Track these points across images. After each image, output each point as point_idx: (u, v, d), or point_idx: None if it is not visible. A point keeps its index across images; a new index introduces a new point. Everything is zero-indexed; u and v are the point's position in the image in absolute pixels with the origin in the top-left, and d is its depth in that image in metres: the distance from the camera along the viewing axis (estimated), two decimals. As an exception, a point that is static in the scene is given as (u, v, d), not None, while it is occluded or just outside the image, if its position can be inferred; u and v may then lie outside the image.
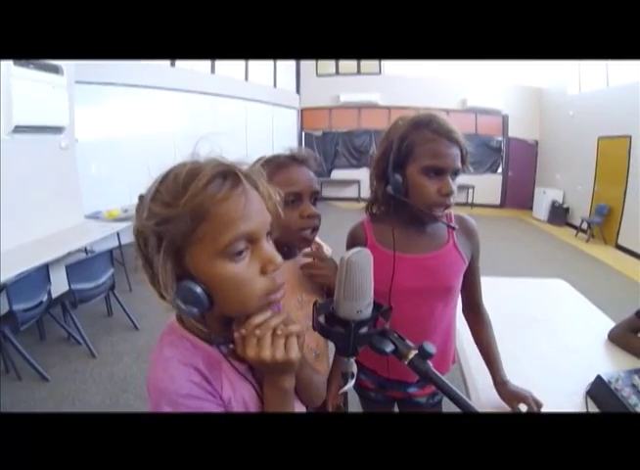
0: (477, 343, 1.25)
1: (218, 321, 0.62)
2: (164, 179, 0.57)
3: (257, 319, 0.58)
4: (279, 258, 0.59)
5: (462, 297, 1.25)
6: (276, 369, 0.61)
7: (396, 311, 1.07)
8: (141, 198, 0.59)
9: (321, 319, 0.60)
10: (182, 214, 0.53)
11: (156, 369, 0.61)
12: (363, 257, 0.56)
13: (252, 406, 0.67)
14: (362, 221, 1.19)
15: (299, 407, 0.79)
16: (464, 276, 1.18)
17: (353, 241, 1.17)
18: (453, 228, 1.09)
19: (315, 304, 0.62)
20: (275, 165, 0.97)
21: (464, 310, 1.28)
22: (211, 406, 0.61)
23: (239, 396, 0.65)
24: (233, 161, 0.60)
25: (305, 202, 0.99)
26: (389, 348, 0.57)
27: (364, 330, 0.58)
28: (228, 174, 0.56)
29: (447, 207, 1.05)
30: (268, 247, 0.60)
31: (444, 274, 1.13)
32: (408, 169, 1.04)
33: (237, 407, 0.65)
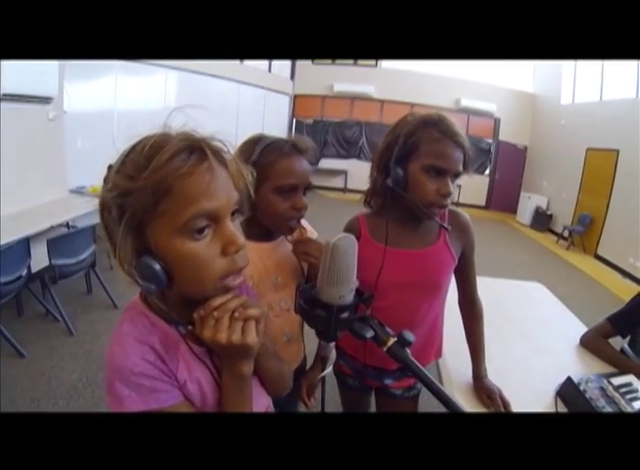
0: (466, 335, 1.28)
1: (178, 301, 0.61)
2: (131, 151, 0.56)
3: (216, 301, 0.58)
4: (241, 239, 0.57)
5: (457, 290, 1.28)
6: (232, 353, 0.61)
7: (382, 303, 1.10)
8: (110, 168, 0.57)
9: (303, 302, 0.61)
10: (144, 188, 0.52)
11: (112, 344, 0.61)
12: (348, 242, 0.56)
13: (208, 389, 0.66)
14: (358, 216, 1.21)
15: (265, 398, 0.79)
16: (458, 271, 1.20)
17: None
18: (447, 229, 1.10)
19: (298, 287, 0.63)
20: (279, 154, 0.98)
21: (459, 303, 1.30)
22: (164, 386, 0.61)
23: (194, 378, 0.65)
24: (204, 135, 0.58)
25: (299, 194, 1.01)
26: (369, 334, 0.58)
27: (345, 315, 0.59)
28: (194, 149, 0.54)
29: (443, 207, 1.07)
30: (231, 227, 0.57)
31: (432, 271, 1.15)
32: (410, 165, 1.05)
33: (192, 389, 0.65)
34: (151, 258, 0.55)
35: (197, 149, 0.55)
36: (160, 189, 0.52)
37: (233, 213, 0.59)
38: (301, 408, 1.28)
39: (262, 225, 1.03)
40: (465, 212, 1.22)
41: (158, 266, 0.54)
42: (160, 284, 0.55)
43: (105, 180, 0.57)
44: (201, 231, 0.54)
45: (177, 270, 0.56)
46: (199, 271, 0.55)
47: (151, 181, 0.52)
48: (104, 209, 0.56)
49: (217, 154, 0.57)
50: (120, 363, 0.59)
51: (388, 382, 1.27)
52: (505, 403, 1.14)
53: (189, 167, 0.53)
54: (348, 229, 1.19)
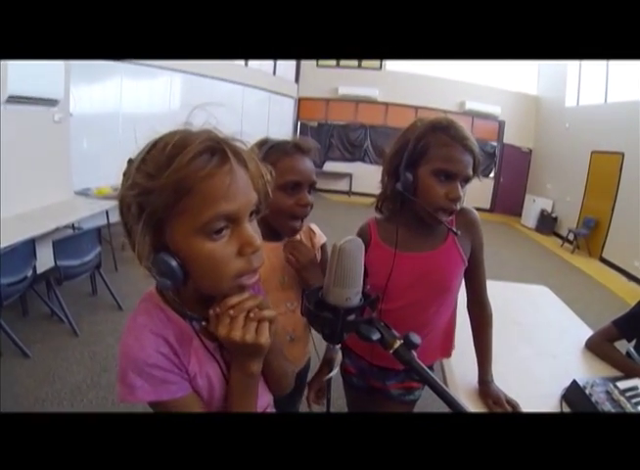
0: (474, 339, 1.26)
1: (193, 297, 0.63)
2: (152, 148, 0.56)
3: (233, 300, 0.59)
4: (258, 240, 0.58)
5: (467, 292, 1.26)
6: (244, 351, 0.62)
7: (393, 305, 1.11)
8: (130, 162, 0.58)
9: (310, 305, 0.61)
10: (164, 187, 0.52)
11: (128, 335, 0.62)
12: (355, 245, 0.57)
13: (217, 384, 0.68)
14: (368, 221, 1.22)
15: (266, 395, 0.80)
16: (467, 272, 1.19)
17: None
18: (456, 233, 1.09)
19: (304, 290, 0.64)
20: (282, 153, 1.01)
21: (468, 306, 1.28)
22: (175, 379, 0.62)
23: (204, 372, 0.66)
24: (226, 135, 0.58)
25: (304, 191, 1.03)
26: (376, 336, 0.59)
27: (352, 317, 0.60)
28: (216, 151, 0.55)
29: (452, 212, 1.07)
30: (249, 228, 0.58)
31: (441, 272, 1.14)
32: (420, 170, 1.06)
33: (201, 383, 0.66)
34: (168, 254, 0.56)
35: (219, 150, 0.55)
36: (180, 189, 0.53)
37: (251, 214, 0.60)
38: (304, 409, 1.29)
39: (268, 225, 1.04)
40: (473, 209, 1.20)
41: (174, 263, 0.56)
42: (176, 280, 0.57)
43: (124, 175, 0.58)
44: (219, 232, 0.55)
45: (193, 268, 0.57)
46: (215, 270, 0.56)
47: (171, 181, 0.52)
48: (123, 205, 0.57)
49: (238, 155, 0.58)
50: (135, 354, 0.60)
51: (389, 383, 1.27)
52: (513, 406, 1.13)
53: (210, 169, 0.54)
54: (359, 234, 1.19)
